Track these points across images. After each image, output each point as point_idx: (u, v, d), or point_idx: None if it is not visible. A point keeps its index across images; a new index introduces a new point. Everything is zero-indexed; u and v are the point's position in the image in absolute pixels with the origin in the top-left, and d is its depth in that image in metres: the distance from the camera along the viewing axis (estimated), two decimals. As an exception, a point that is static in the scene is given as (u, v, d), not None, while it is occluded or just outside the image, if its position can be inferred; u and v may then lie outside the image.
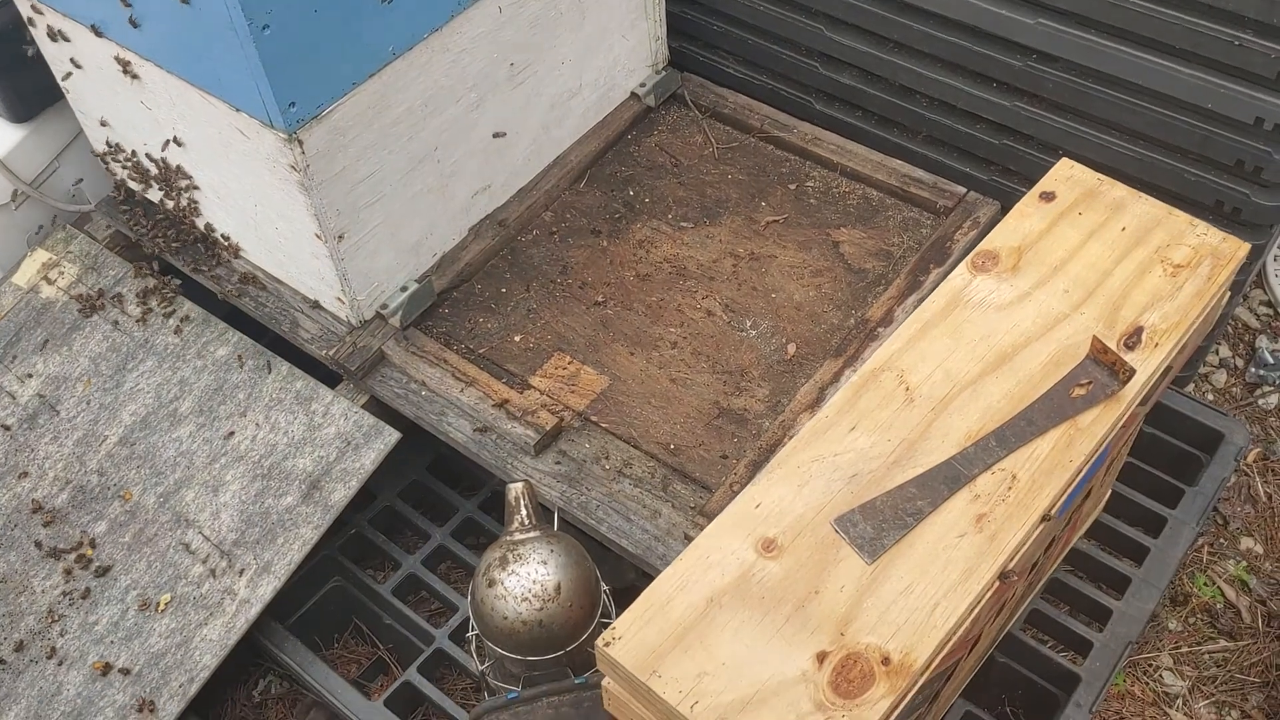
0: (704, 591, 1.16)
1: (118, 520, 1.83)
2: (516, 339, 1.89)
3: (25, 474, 1.91)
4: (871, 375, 1.35)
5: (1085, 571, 1.82)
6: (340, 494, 1.78)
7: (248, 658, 1.96)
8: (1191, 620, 2.00)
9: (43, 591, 1.79)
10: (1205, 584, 2.03)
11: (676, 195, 2.08)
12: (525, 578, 1.49)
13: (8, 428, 1.96)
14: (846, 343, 1.80)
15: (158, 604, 1.75)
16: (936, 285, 1.85)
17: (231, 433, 1.87)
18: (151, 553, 1.79)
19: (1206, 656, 1.96)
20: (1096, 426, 1.27)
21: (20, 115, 2.17)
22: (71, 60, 1.89)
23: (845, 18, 2.05)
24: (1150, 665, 1.95)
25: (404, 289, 1.90)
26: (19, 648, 1.74)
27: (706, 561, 1.19)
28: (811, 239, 1.99)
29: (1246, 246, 1.41)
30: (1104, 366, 1.29)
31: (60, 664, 1.72)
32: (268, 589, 1.72)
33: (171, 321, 2.03)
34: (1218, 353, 2.32)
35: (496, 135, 1.92)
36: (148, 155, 1.96)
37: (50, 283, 2.13)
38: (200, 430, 1.89)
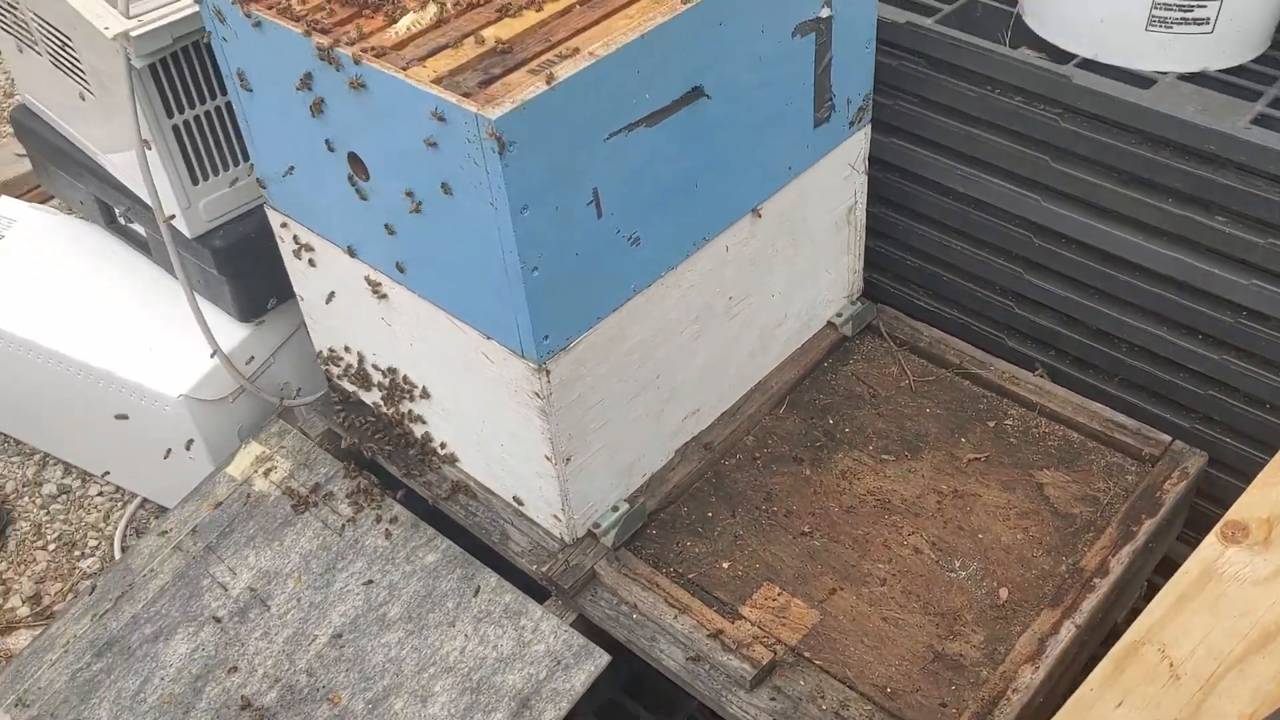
0: None
1: (326, 724, 1.86)
2: (725, 565, 1.92)
3: (235, 668, 1.96)
4: (1132, 648, 1.34)
5: None
6: (550, 715, 1.79)
7: None
8: None
9: (251, 793, 1.81)
10: None
11: (876, 426, 2.12)
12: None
13: (219, 620, 2.02)
14: (1062, 592, 1.80)
15: (365, 815, 1.76)
16: (1150, 536, 1.87)
17: (440, 642, 1.90)
18: (359, 761, 1.81)
19: None
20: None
21: (248, 315, 2.30)
22: (315, 273, 2.00)
23: (1046, 263, 2.11)
24: None
25: (615, 509, 1.94)
26: None
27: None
28: (1014, 479, 2.01)
29: None
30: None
31: None
32: (476, 809, 1.72)
33: (381, 524, 2.09)
34: None
35: (705, 366, 1.99)
36: (374, 364, 2.06)
37: (264, 476, 2.21)
38: (409, 637, 1.93)
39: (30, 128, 2.50)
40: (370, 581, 2.02)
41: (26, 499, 2.72)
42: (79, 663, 2.00)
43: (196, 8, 1.81)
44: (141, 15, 1.82)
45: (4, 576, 2.56)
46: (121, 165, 2.26)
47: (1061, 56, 1.99)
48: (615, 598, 1.88)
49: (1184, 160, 1.83)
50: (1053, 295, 2.13)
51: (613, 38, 1.52)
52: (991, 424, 2.11)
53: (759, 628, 1.82)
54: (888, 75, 2.07)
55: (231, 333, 2.30)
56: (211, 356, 2.18)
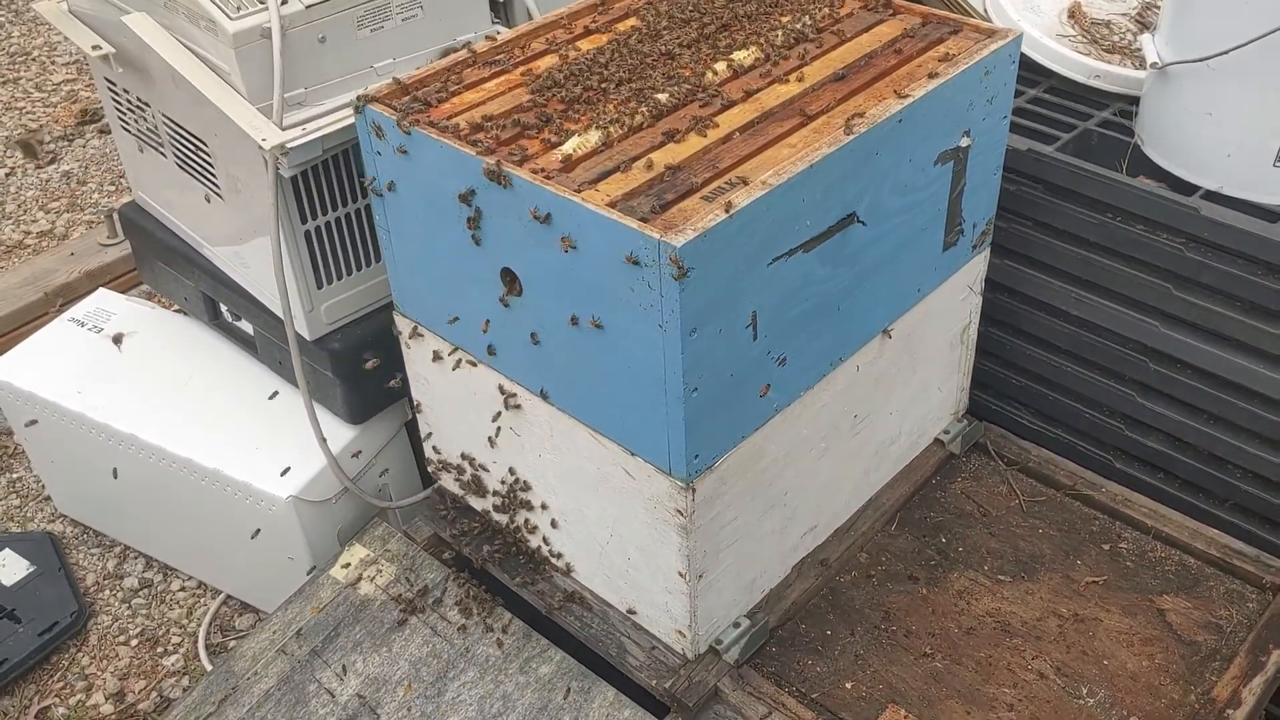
0: None
1: (447, 841, 1.83)
2: (848, 686, 1.90)
3: (348, 780, 1.93)
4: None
5: None
6: (680, 838, 1.76)
7: None
8: None
9: None
10: None
11: (989, 546, 2.12)
12: None
13: (329, 728, 1.99)
14: (1199, 724, 1.78)
15: None
16: (1279, 666, 1.86)
17: (561, 758, 1.88)
18: None
19: None
20: None
21: (358, 418, 2.31)
22: (441, 380, 2.02)
23: (1160, 387, 2.12)
24: None
25: (736, 625, 1.93)
26: None
27: None
28: (1135, 604, 2.00)
29: None
30: None
31: None
32: None
33: (493, 633, 2.08)
34: None
35: (826, 482, 1.99)
36: (494, 473, 2.06)
37: (369, 580, 2.20)
38: (528, 751, 1.90)
39: (140, 225, 2.53)
40: (484, 693, 2.00)
41: (108, 592, 2.71)
42: (188, 769, 1.97)
43: (350, 120, 1.85)
44: (293, 126, 1.85)
45: (87, 672, 2.53)
46: (236, 265, 2.29)
47: (1181, 186, 2.03)
48: (739, 716, 1.86)
49: (1310, 292, 1.86)
50: (1166, 419, 2.14)
51: (781, 166, 1.55)
52: (1106, 546, 2.11)
53: (891, 753, 1.80)
54: (1005, 199, 2.10)
55: (339, 434, 2.30)
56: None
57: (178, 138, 2.17)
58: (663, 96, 1.72)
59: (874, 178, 1.69)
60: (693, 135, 1.64)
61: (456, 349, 1.93)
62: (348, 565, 2.24)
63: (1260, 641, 1.90)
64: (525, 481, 2.00)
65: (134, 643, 2.59)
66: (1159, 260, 2.00)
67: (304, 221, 2.04)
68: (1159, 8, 2.19)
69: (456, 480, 2.17)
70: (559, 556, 2.06)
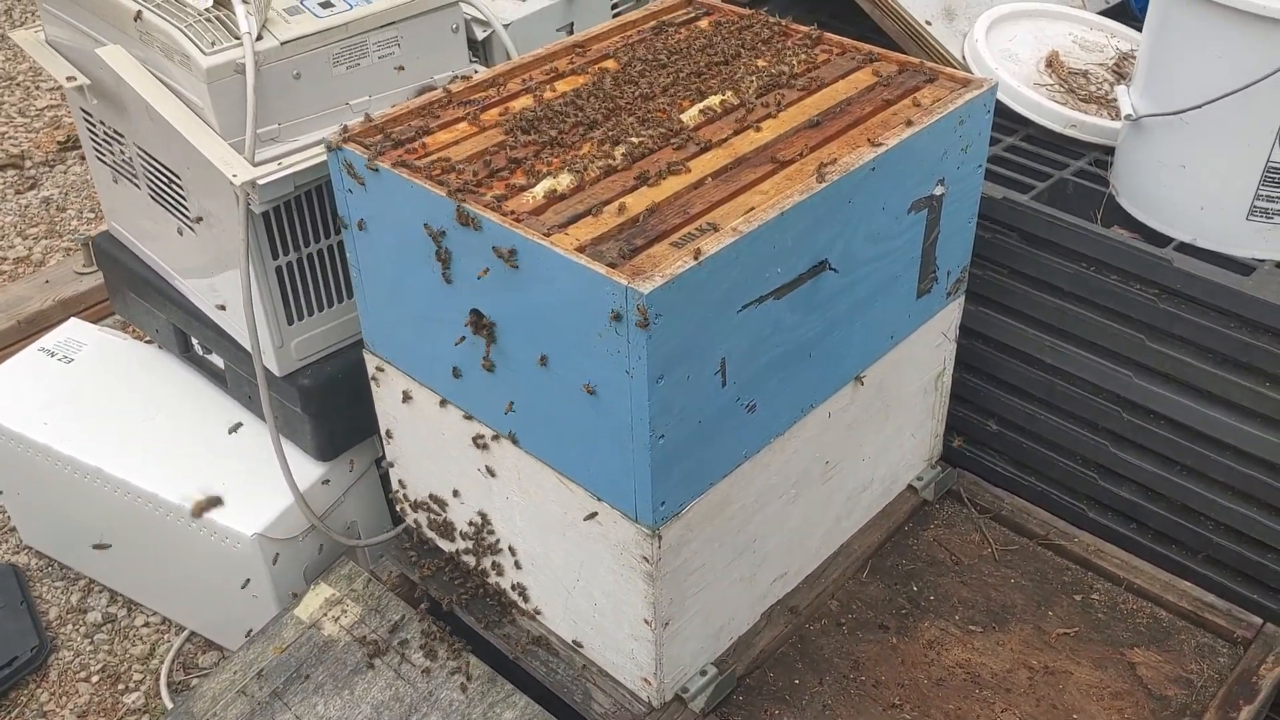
0: None
1: None
2: (816, 737, 1.88)
3: (305, 826, 1.89)
4: None
5: None
6: None
7: None
8: None
9: None
10: None
11: (961, 595, 2.10)
12: None
13: (288, 772, 1.96)
14: (1168, 782, 1.76)
15: None
16: (1251, 725, 1.85)
17: (523, 807, 1.85)
18: None
19: None
20: None
21: (326, 455, 2.28)
22: (410, 420, 2.00)
23: (1134, 438, 2.11)
24: None
25: (703, 672, 1.91)
26: None
27: None
28: (1106, 657, 1.99)
29: None
30: None
31: None
32: None
33: (457, 677, 2.05)
34: None
35: (795, 529, 1.98)
36: (462, 514, 2.04)
37: (333, 620, 2.17)
38: (489, 800, 1.87)
39: (113, 255, 2.51)
40: (447, 738, 1.96)
41: (70, 627, 2.66)
42: (142, 813, 1.93)
43: (322, 157, 1.84)
44: (266, 162, 1.84)
45: (45, 709, 2.49)
46: (207, 298, 2.27)
47: (1155, 237, 2.03)
48: (706, 767, 1.84)
49: (1281, 346, 1.86)
50: (1139, 470, 2.13)
51: (753, 214, 1.55)
52: (1078, 597, 2.10)
53: (857, 807, 1.77)
54: (980, 247, 2.10)
55: (307, 471, 2.28)
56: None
57: (151, 170, 2.16)
58: (636, 140, 1.72)
59: (847, 225, 1.69)
60: (665, 180, 1.64)
61: (425, 388, 1.92)
62: (312, 605, 2.20)
63: (1230, 697, 1.88)
64: (493, 524, 1.98)
65: (95, 679, 2.55)
66: (1133, 311, 1.99)
67: (275, 257, 2.02)
68: (1135, 59, 2.21)
69: (425, 520, 2.14)
70: (526, 600, 2.03)
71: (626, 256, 1.49)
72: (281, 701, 2.07)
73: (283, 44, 1.89)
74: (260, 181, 1.79)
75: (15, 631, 2.57)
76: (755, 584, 1.96)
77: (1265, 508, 2.01)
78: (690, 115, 1.80)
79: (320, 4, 1.96)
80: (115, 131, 2.22)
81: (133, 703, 2.50)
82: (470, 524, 2.03)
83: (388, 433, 2.09)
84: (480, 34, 2.36)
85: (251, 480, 2.29)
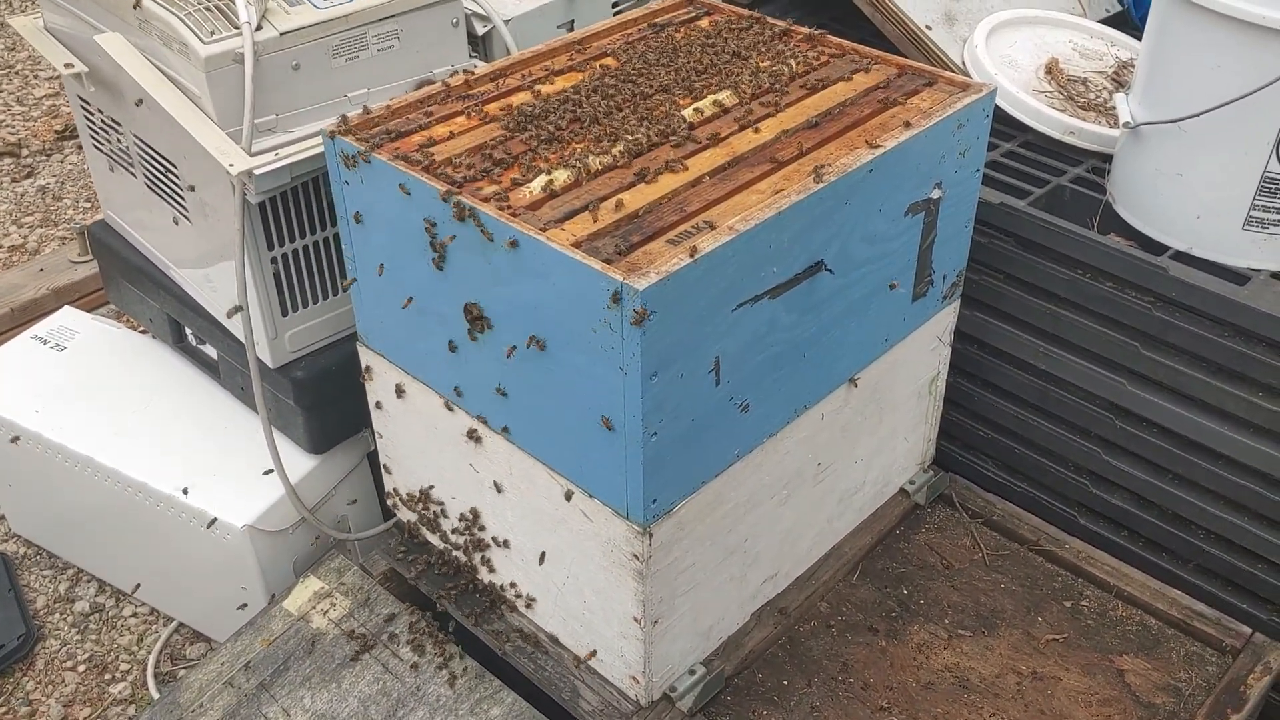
0: None
1: None
2: (803, 738, 1.88)
3: (290, 819, 1.89)
4: None
5: None
6: None
7: None
8: None
9: None
10: None
11: (950, 599, 2.10)
12: None
13: (274, 765, 1.95)
14: (1155, 789, 1.76)
15: None
16: (1238, 734, 1.85)
17: (508, 803, 1.84)
18: None
19: None
20: None
21: (319, 448, 2.28)
22: (402, 414, 1.99)
23: (1126, 445, 2.11)
24: None
25: (692, 672, 1.91)
26: None
27: None
28: (1094, 664, 1.99)
29: None
30: None
31: None
32: None
33: (444, 672, 2.04)
34: None
35: (787, 530, 1.98)
36: (453, 509, 2.03)
37: (322, 614, 2.16)
38: (475, 796, 1.87)
39: (107, 243, 2.51)
40: (433, 733, 1.96)
41: (58, 616, 2.66)
42: (127, 803, 1.92)
43: (319, 149, 1.84)
44: (263, 152, 1.83)
45: (31, 697, 2.48)
46: (202, 288, 2.26)
47: (1152, 245, 2.03)
48: (693, 767, 1.83)
49: (1275, 356, 1.86)
50: (1131, 478, 2.13)
51: (750, 213, 1.54)
52: (1068, 604, 2.10)
53: (843, 809, 1.77)
54: (976, 252, 2.10)
55: (299, 464, 2.27)
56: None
57: (148, 159, 2.15)
58: (634, 137, 1.72)
59: (843, 226, 1.69)
60: (663, 177, 1.64)
61: (419, 383, 1.91)
62: (301, 598, 2.20)
63: (1218, 706, 1.88)
64: (484, 519, 1.98)
65: (81, 669, 2.54)
66: (1127, 318, 1.99)
67: (270, 248, 2.02)
68: (1134, 67, 2.21)
69: (416, 515, 2.14)
70: (517, 595, 2.03)
71: (623, 252, 1.49)
72: (268, 694, 2.06)
73: (282, 34, 1.88)
74: (257, 171, 1.79)
75: (2, 620, 2.56)
76: (745, 584, 1.96)
77: (1256, 518, 2.01)
78: (689, 113, 1.80)
79: (321, -5, 1.96)
80: (113, 120, 2.22)
81: (119, 693, 2.50)
82: (461, 519, 2.02)
83: (380, 427, 2.09)
84: (480, 29, 2.35)
85: (243, 472, 2.28)
